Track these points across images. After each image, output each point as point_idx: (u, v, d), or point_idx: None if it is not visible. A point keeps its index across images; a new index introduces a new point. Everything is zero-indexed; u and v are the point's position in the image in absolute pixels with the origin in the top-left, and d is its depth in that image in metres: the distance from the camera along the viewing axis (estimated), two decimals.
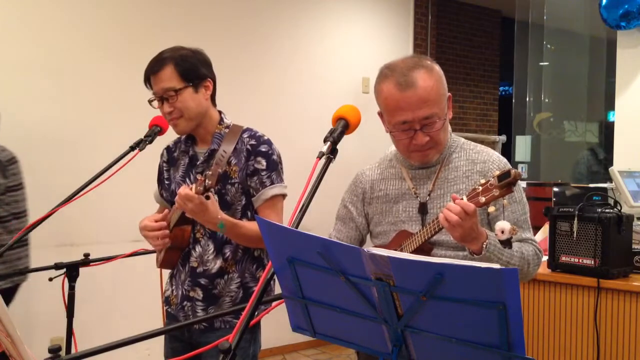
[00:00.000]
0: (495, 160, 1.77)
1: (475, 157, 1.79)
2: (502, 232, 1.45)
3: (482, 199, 1.48)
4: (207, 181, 1.78)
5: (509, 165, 1.71)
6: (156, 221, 2.06)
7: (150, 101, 2.10)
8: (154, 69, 2.04)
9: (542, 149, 6.67)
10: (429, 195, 1.78)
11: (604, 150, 5.74)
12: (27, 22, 3.87)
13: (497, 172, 1.48)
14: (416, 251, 1.68)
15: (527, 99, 6.63)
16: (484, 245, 1.55)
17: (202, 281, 2.07)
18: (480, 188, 1.50)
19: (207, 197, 1.83)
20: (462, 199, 1.51)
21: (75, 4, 4.05)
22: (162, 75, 2.02)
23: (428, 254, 1.71)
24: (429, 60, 1.75)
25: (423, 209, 1.77)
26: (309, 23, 5.32)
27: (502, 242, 1.48)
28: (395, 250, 1.57)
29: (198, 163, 2.11)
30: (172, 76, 2.02)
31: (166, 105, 2.04)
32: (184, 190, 1.85)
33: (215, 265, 2.06)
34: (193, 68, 2.05)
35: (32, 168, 3.83)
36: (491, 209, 1.50)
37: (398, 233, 1.80)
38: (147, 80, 2.09)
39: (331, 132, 1.51)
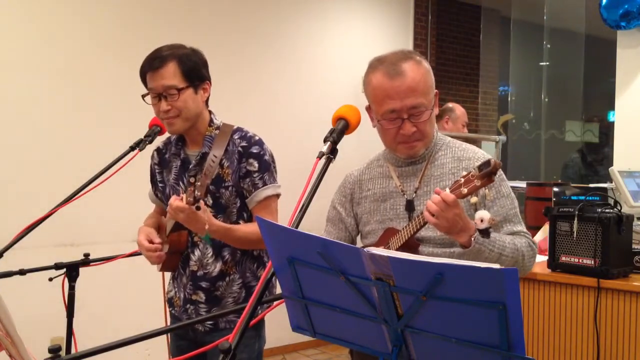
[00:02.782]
0: (480, 158, 1.79)
1: (461, 155, 1.81)
2: (482, 220, 1.48)
3: (464, 190, 1.50)
4: (196, 192, 1.79)
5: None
6: (151, 242, 2.05)
7: (144, 96, 2.07)
8: (154, 65, 2.00)
9: (517, 148, 6.70)
10: (415, 192, 1.79)
11: (590, 152, 5.69)
12: (27, 22, 3.87)
13: (478, 163, 1.51)
14: (402, 247, 1.69)
15: (509, 99, 6.65)
16: (473, 238, 1.56)
17: (204, 284, 2.07)
18: (462, 180, 1.52)
19: (198, 208, 1.82)
20: (445, 191, 1.53)
21: (76, 4, 4.05)
22: (164, 72, 1.98)
23: (415, 250, 1.72)
24: (418, 55, 1.80)
25: (410, 206, 1.79)
26: (309, 23, 5.32)
27: (480, 231, 1.50)
28: (383, 248, 1.57)
29: (190, 166, 2.10)
30: (175, 74, 1.99)
31: (164, 103, 2.00)
32: (175, 202, 1.84)
33: (216, 268, 2.06)
34: (195, 68, 2.03)
35: (32, 168, 3.85)
36: (474, 199, 1.51)
37: (385, 231, 1.81)
38: (143, 76, 2.04)
39: (331, 132, 1.52)
